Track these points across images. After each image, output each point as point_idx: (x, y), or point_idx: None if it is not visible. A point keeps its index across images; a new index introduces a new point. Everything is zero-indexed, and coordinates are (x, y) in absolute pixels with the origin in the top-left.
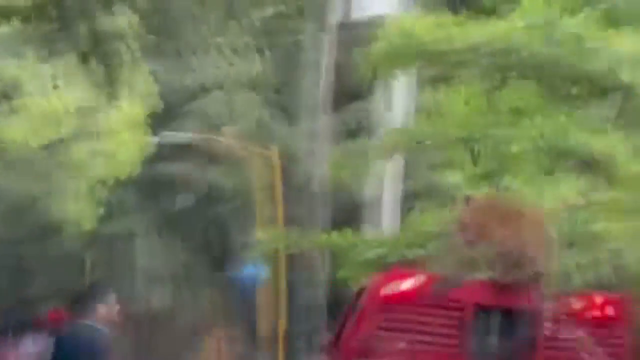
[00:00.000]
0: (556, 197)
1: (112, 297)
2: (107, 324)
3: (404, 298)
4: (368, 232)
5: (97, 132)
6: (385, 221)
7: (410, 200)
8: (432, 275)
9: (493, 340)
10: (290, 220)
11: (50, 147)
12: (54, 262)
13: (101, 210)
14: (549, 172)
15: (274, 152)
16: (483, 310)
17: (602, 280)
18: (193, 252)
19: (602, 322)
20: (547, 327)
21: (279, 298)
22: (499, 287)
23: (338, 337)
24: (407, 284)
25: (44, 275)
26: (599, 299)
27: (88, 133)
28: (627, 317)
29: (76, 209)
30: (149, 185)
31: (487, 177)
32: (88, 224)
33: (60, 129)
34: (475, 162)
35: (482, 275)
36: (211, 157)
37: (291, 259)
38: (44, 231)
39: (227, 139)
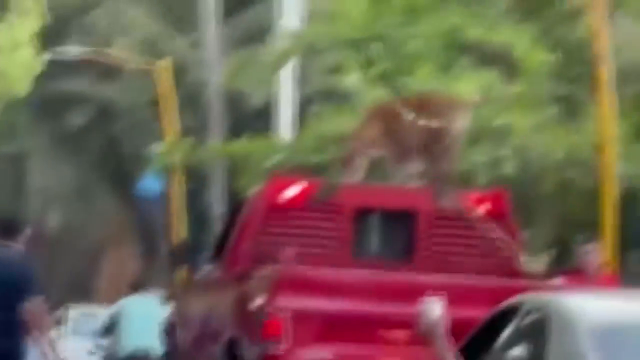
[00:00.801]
0: (456, 94)
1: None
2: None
3: (289, 204)
4: (266, 139)
5: None
6: (283, 127)
7: (307, 105)
8: (315, 181)
9: (374, 244)
10: (186, 132)
11: None
12: None
13: None
14: (448, 69)
15: (167, 64)
16: (363, 212)
17: (505, 177)
18: (90, 170)
19: (487, 219)
20: (433, 226)
21: (177, 210)
22: (381, 189)
23: (222, 245)
24: (292, 191)
25: None
26: (478, 196)
27: None
28: (508, 213)
29: None
30: (42, 104)
31: (385, 77)
32: None
33: None
34: (370, 64)
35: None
36: (104, 72)
37: (189, 170)
38: None
39: (118, 52)
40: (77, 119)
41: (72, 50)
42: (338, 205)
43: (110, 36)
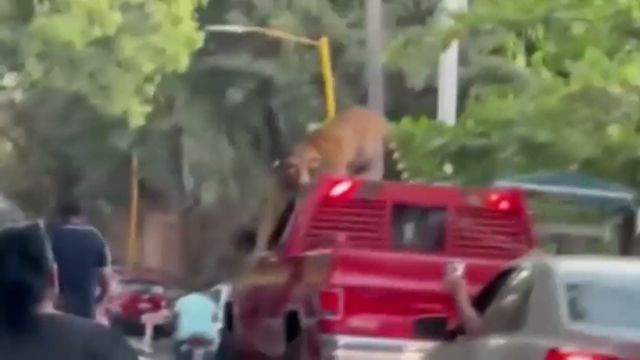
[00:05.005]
0: (622, 78)
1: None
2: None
3: (339, 199)
4: (428, 121)
5: (144, 27)
6: (444, 109)
7: (467, 86)
8: (359, 181)
9: (410, 234)
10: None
11: (96, 45)
12: (101, 161)
13: (149, 107)
14: (613, 54)
15: (324, 43)
16: (401, 207)
17: None
18: (246, 146)
19: (505, 215)
20: (458, 221)
21: None
22: (416, 187)
23: (278, 232)
24: (341, 188)
25: (92, 173)
26: (497, 194)
27: (135, 29)
28: (524, 209)
29: (124, 106)
30: (198, 80)
31: (550, 61)
32: (136, 121)
33: (106, 26)
34: (532, 48)
35: None
36: (260, 49)
37: None
38: (92, 130)
39: (275, 31)
40: (235, 94)
41: (229, 27)
42: (380, 201)
43: (270, 12)
